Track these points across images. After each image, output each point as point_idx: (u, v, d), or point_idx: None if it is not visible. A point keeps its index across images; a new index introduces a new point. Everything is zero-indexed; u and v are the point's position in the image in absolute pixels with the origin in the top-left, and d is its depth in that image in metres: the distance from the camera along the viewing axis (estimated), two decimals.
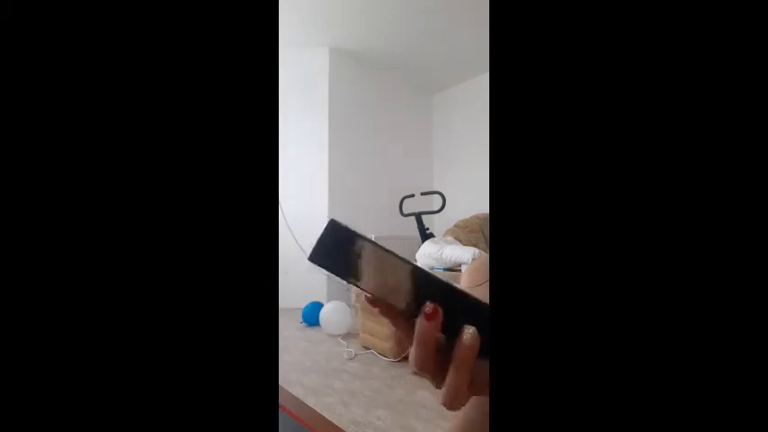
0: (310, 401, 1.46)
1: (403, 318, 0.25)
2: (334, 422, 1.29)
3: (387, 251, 0.24)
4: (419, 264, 2.59)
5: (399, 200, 2.98)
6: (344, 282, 0.25)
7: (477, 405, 0.32)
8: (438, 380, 0.23)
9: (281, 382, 1.61)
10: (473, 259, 2.22)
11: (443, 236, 2.71)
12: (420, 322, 0.23)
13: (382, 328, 2.00)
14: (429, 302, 0.23)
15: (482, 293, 0.27)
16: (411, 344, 0.23)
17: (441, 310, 0.23)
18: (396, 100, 3.85)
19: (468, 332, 0.23)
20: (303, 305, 2.74)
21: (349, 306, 2.51)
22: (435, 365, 0.23)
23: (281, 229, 3.07)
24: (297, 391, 1.56)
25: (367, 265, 0.24)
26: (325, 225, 0.24)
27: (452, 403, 0.23)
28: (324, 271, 0.27)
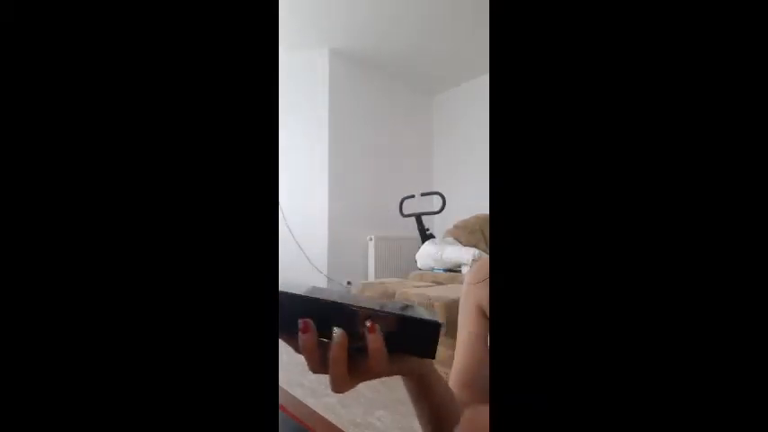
0: (310, 402, 1.46)
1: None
2: (334, 422, 1.29)
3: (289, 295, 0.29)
4: (418, 264, 2.58)
5: (399, 200, 2.98)
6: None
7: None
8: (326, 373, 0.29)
9: (281, 383, 1.60)
10: (473, 260, 2.22)
11: (443, 236, 2.71)
12: (300, 337, 0.28)
13: None
14: (300, 319, 0.28)
15: (482, 291, 0.27)
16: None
17: (310, 323, 0.28)
18: (396, 101, 3.85)
19: (335, 333, 0.27)
20: None
21: None
22: (320, 363, 0.29)
23: (281, 229, 3.07)
24: (297, 392, 1.56)
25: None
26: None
27: (334, 388, 0.28)
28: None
